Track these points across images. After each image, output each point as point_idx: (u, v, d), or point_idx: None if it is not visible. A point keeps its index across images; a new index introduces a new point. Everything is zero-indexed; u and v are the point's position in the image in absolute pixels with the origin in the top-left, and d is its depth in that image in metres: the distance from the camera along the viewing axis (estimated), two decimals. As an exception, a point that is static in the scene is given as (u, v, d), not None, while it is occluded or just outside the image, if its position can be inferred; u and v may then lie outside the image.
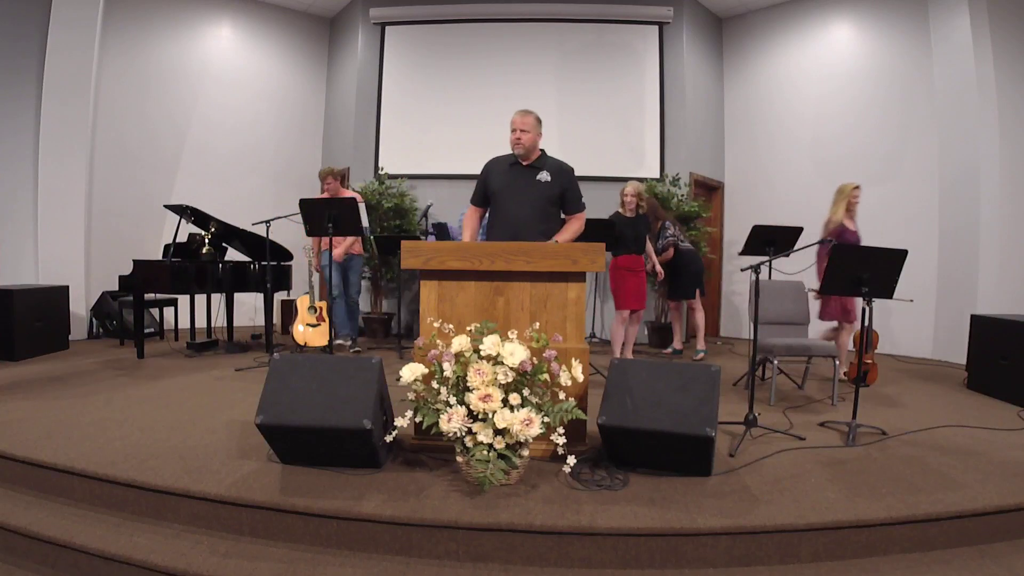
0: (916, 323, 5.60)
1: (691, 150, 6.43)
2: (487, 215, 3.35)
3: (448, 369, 2.23)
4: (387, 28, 6.59)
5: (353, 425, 2.21)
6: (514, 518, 1.95)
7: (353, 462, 2.35)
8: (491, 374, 2.19)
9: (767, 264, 4.89)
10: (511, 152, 3.17)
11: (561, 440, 2.20)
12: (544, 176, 3.13)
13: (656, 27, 6.36)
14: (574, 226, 3.20)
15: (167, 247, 5.10)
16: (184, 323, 5.81)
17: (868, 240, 4.95)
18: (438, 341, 2.39)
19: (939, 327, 5.50)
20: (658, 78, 6.35)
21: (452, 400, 2.20)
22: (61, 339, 5.05)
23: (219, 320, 5.51)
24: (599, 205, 6.28)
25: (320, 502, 2.04)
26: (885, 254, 2.91)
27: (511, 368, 2.19)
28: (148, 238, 6.17)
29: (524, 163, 3.16)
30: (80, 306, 5.52)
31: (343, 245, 5.08)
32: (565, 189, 3.17)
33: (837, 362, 3.74)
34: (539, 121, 3.12)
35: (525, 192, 3.12)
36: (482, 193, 3.27)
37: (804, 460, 2.58)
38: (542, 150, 3.19)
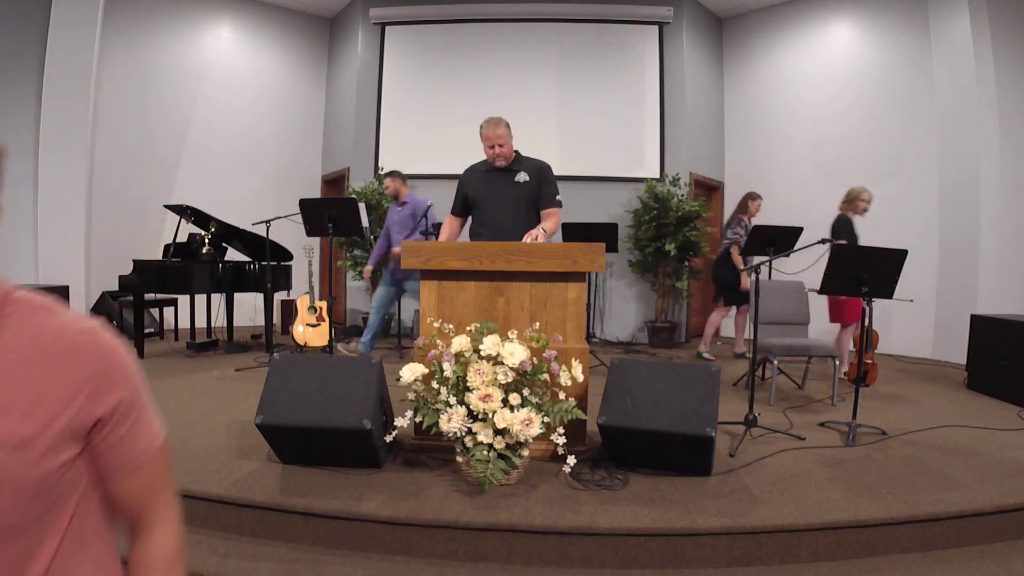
0: (916, 323, 5.59)
1: (691, 150, 6.43)
2: (470, 222, 3.31)
3: (448, 369, 2.23)
4: (387, 28, 6.59)
5: (353, 425, 2.21)
6: (514, 518, 1.95)
7: (353, 462, 2.35)
8: (491, 374, 2.19)
9: (767, 264, 4.89)
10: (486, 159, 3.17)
11: (561, 440, 2.20)
12: (522, 176, 3.13)
13: (656, 27, 6.36)
14: (551, 219, 3.14)
15: (167, 247, 5.11)
16: (184, 323, 5.80)
17: (868, 240, 4.96)
18: (438, 341, 2.39)
19: (939, 327, 5.50)
20: (658, 78, 6.35)
21: (452, 400, 2.20)
22: (61, 339, 5.03)
23: (219, 320, 5.51)
24: (598, 205, 6.29)
25: (320, 502, 2.04)
26: (885, 254, 2.91)
27: (511, 368, 2.19)
28: (148, 238, 6.17)
29: (501, 166, 3.15)
30: (80, 306, 5.51)
31: None
32: (540, 185, 3.15)
33: (837, 362, 3.74)
34: (509, 126, 3.10)
35: (507, 195, 3.11)
36: (461, 203, 3.25)
37: (804, 460, 2.58)
38: (516, 151, 3.18)
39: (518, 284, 2.57)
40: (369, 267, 5.09)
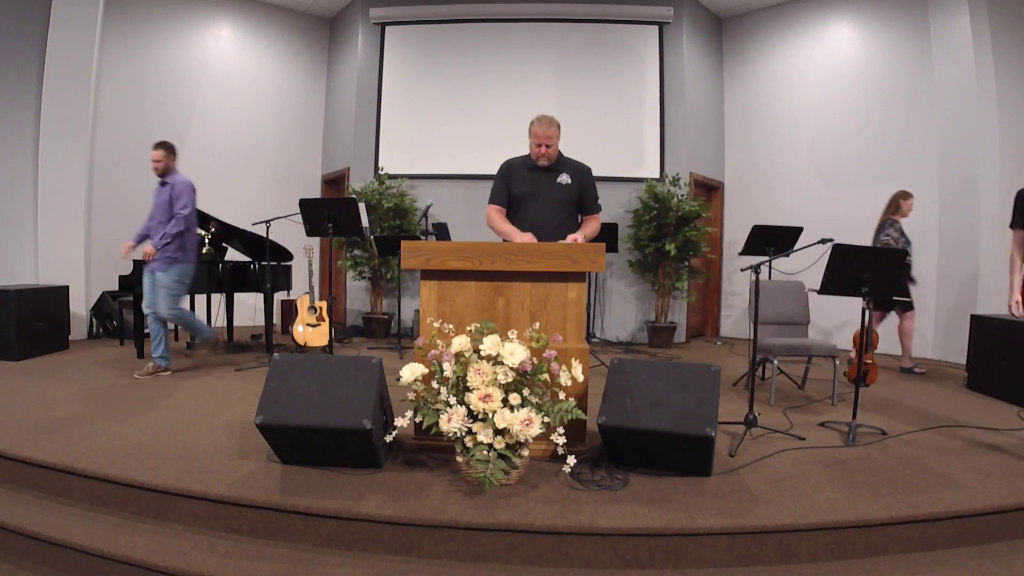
0: (916, 323, 5.58)
1: (691, 150, 6.43)
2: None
3: (448, 369, 2.23)
4: (387, 28, 6.59)
5: (353, 425, 2.21)
6: (514, 518, 1.95)
7: (353, 462, 2.35)
8: (491, 374, 2.19)
9: (767, 264, 4.89)
10: (527, 154, 3.14)
11: (561, 440, 2.20)
12: (564, 178, 3.11)
13: (656, 27, 6.36)
14: (593, 225, 3.16)
15: (167, 247, 5.10)
16: (184, 323, 5.80)
17: (868, 240, 4.95)
18: (438, 341, 2.39)
19: (939, 327, 5.50)
20: (658, 78, 6.35)
21: (452, 400, 2.20)
22: (61, 339, 5.04)
23: (219, 320, 5.51)
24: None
25: (320, 502, 2.04)
26: (885, 254, 2.92)
27: (511, 368, 2.19)
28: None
29: (544, 165, 3.12)
30: (80, 306, 5.52)
31: None
32: (584, 190, 3.15)
33: (837, 362, 3.74)
34: (560, 127, 3.07)
35: (547, 195, 3.10)
36: (505, 193, 3.18)
37: (804, 460, 2.58)
38: (559, 151, 3.17)
39: (518, 284, 2.57)
40: (129, 243, 4.23)
